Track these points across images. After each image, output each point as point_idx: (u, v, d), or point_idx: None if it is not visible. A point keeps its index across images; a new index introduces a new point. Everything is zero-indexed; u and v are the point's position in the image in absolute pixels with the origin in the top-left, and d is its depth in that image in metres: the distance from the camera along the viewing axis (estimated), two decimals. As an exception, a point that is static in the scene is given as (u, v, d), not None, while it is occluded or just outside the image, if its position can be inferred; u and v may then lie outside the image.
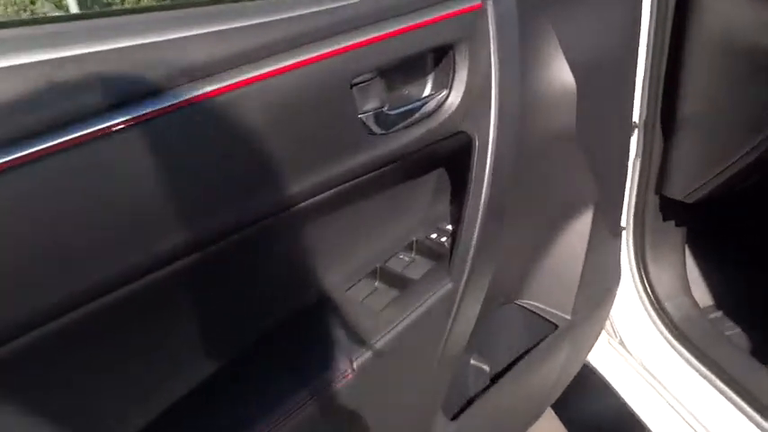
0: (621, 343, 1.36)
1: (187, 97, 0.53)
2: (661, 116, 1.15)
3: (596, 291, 1.17)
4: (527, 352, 1.08)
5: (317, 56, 0.61)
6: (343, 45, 0.63)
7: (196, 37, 0.53)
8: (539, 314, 1.12)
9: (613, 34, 1.02)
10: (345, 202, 0.74)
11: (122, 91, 0.48)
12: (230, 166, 0.58)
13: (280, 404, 0.68)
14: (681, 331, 1.26)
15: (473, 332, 0.91)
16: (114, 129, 0.48)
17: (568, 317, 1.10)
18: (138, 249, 0.52)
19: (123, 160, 0.49)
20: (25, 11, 6.58)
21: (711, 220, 1.37)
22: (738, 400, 1.10)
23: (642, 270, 1.27)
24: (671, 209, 1.26)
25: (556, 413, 1.43)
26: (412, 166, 0.78)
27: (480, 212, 0.79)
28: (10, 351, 0.48)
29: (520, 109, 0.82)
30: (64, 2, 6.29)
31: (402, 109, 0.72)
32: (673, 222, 1.29)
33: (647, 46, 1.10)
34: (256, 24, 0.56)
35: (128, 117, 0.48)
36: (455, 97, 0.76)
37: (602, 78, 1.01)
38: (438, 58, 0.76)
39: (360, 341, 0.73)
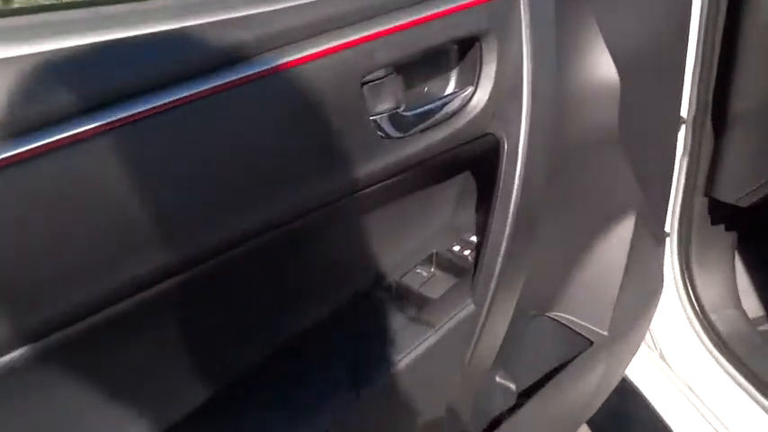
0: (662, 357, 1.26)
1: (172, 99, 0.46)
2: (712, 111, 1.04)
3: (636, 303, 1.08)
4: (559, 369, 0.99)
5: (321, 51, 0.53)
6: (351, 38, 0.55)
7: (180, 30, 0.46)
8: (572, 329, 1.03)
9: (661, 20, 0.92)
10: (356, 211, 0.66)
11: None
12: (220, 175, 0.51)
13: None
14: (728, 346, 1.15)
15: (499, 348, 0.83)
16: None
17: (605, 332, 1.01)
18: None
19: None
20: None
21: (764, 225, 1.26)
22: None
23: (687, 279, 1.17)
24: (720, 212, 1.15)
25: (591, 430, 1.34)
26: (432, 171, 0.70)
27: (508, 223, 0.70)
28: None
29: (555, 107, 0.72)
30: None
31: (421, 109, 0.64)
32: (722, 227, 1.19)
33: (698, 33, 0.99)
34: (245, 17, 0.48)
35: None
36: (482, 95, 0.68)
37: (648, 70, 0.91)
38: (463, 51, 0.67)
39: (372, 365, 0.66)
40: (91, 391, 0.54)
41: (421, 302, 0.73)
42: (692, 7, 0.96)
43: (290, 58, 0.52)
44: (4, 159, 0.38)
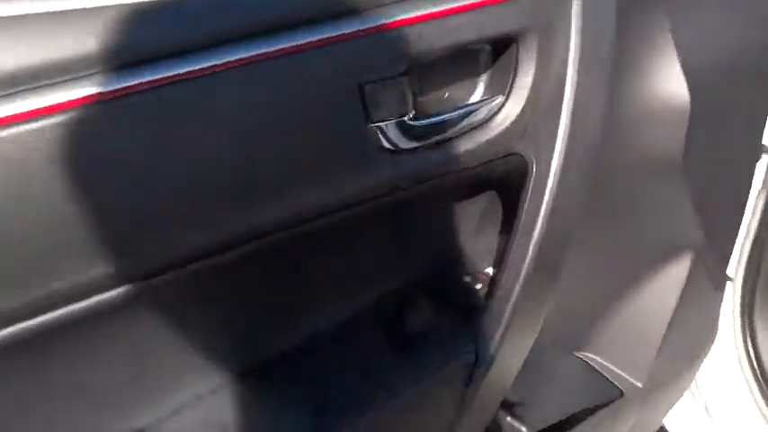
0: (706, 410, 1.12)
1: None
2: None
3: (682, 354, 0.94)
4: (579, 417, 0.88)
5: (307, 43, 0.44)
6: (347, 30, 0.46)
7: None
8: (602, 374, 0.91)
9: (751, 32, 0.77)
10: (347, 230, 0.57)
11: None
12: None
13: None
14: (787, 412, 1.01)
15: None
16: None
17: (639, 384, 0.88)
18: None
19: None
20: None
21: None
22: None
23: (747, 331, 1.02)
24: (798, 259, 0.99)
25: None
26: (445, 191, 0.60)
27: (528, 260, 0.60)
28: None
29: (602, 128, 0.61)
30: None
31: (437, 118, 0.54)
32: (798, 275, 1.02)
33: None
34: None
35: None
36: (513, 107, 0.57)
37: (729, 91, 0.77)
38: (495, 53, 0.56)
39: (348, 409, 0.58)
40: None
41: (412, 342, 0.63)
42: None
43: (266, 50, 0.43)
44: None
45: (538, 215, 0.59)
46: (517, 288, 0.61)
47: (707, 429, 1.11)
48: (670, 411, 1.12)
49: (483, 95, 0.57)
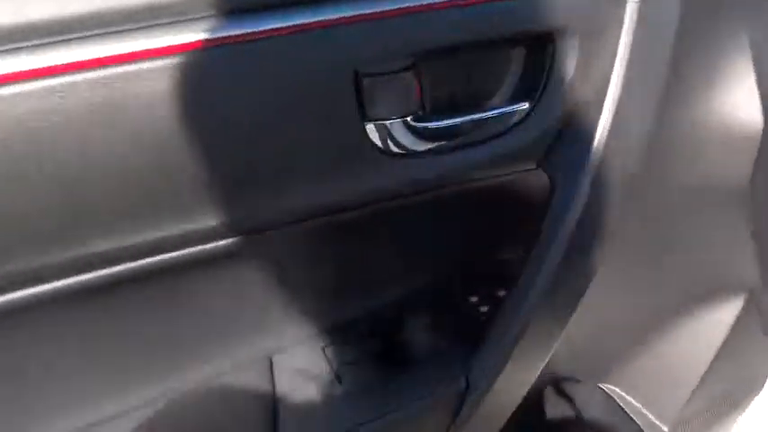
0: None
1: None
2: None
3: (718, 404, 0.85)
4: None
5: (298, 25, 0.39)
6: (345, 14, 0.40)
7: None
8: (624, 411, 0.83)
9: None
10: (342, 235, 0.52)
11: None
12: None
13: None
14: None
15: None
16: None
17: (665, 428, 0.80)
18: None
19: None
20: None
21: None
22: None
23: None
24: None
25: None
26: (451, 201, 0.54)
27: (538, 289, 0.53)
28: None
29: (647, 150, 0.52)
30: None
31: (445, 123, 0.48)
32: None
33: None
34: None
35: None
36: (540, 117, 0.49)
37: None
38: (528, 51, 0.49)
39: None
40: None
41: (402, 360, 0.58)
42: None
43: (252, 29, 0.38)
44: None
45: (556, 241, 0.51)
46: (523, 316, 0.54)
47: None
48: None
49: (506, 101, 0.50)
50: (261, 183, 0.43)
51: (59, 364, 0.49)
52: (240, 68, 0.39)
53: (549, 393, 0.82)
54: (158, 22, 0.36)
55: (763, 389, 0.93)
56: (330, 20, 0.40)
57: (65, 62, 0.34)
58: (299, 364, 0.56)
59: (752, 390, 0.90)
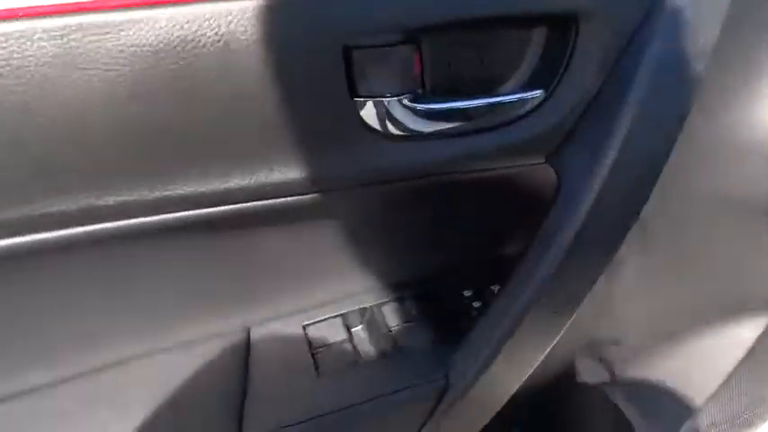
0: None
1: None
2: None
3: (727, 423, 0.80)
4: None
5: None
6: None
7: None
8: (622, 411, 0.79)
9: None
10: (333, 211, 0.49)
11: None
12: None
13: None
14: None
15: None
16: None
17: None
18: None
19: None
20: None
21: None
22: None
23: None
24: None
25: None
26: (446, 189, 0.50)
27: (534, 288, 0.49)
28: None
29: (670, 154, 0.47)
30: None
31: (446, 105, 0.44)
32: None
33: None
34: None
35: None
36: (554, 108, 0.45)
37: None
38: (549, 33, 0.44)
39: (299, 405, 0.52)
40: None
41: (387, 346, 0.56)
42: None
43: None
44: None
45: (556, 243, 0.47)
46: (513, 317, 0.50)
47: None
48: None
49: (519, 87, 0.45)
50: (244, 153, 0.41)
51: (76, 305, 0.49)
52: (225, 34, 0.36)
53: (551, 392, 0.79)
54: None
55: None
56: None
57: None
58: (277, 344, 0.55)
59: (766, 412, 0.85)
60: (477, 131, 0.45)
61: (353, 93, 0.40)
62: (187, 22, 0.35)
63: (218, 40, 0.36)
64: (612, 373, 0.78)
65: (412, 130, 0.44)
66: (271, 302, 0.55)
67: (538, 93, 0.45)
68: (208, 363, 0.52)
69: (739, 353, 0.74)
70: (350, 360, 0.53)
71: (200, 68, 0.36)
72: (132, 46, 0.35)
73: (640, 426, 0.78)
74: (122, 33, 0.34)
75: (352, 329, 0.57)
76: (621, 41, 0.42)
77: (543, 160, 0.47)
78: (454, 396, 0.52)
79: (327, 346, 0.54)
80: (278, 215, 0.46)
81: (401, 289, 0.59)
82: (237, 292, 0.53)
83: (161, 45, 0.35)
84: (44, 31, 0.33)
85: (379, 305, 0.58)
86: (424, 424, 0.54)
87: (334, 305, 0.57)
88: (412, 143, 0.44)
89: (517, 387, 0.55)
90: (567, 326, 0.52)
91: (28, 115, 0.35)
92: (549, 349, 0.54)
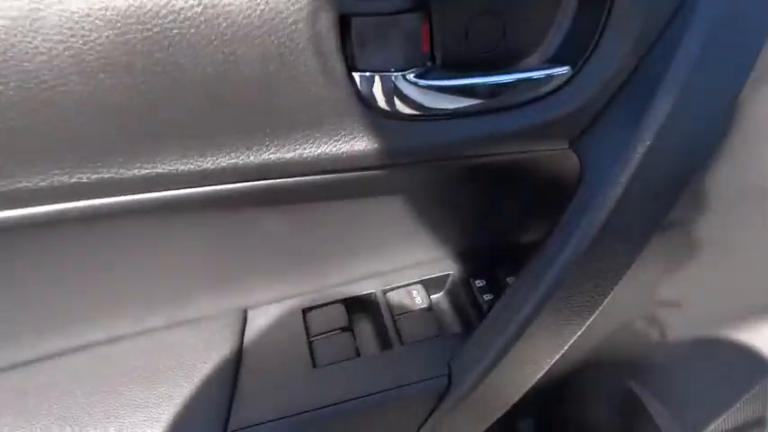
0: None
1: None
2: None
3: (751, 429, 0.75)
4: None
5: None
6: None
7: None
8: (649, 411, 0.75)
9: None
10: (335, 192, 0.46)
11: None
12: None
13: None
14: None
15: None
16: None
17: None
18: None
19: None
20: None
21: None
22: None
23: None
24: None
25: None
26: (458, 174, 0.45)
27: (548, 283, 0.44)
28: None
29: (716, 141, 0.42)
30: None
31: (456, 82, 0.39)
32: None
33: None
34: None
35: None
36: (582, 86, 0.40)
37: None
38: (580, 3, 0.39)
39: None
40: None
41: (387, 339, 0.52)
42: None
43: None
44: None
45: (577, 234, 0.42)
46: (527, 312, 0.46)
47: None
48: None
49: (543, 62, 0.40)
50: (231, 130, 0.37)
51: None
52: None
53: (567, 384, 0.75)
54: None
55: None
56: None
57: None
58: (274, 330, 0.52)
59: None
60: (494, 112, 0.40)
61: (349, 66, 0.36)
62: None
63: (198, 4, 0.32)
64: (635, 370, 0.74)
65: (419, 110, 0.39)
66: (269, 285, 0.52)
67: (564, 69, 0.39)
68: (199, 345, 0.50)
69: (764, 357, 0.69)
70: (348, 352, 0.50)
71: (178, 37, 0.32)
72: (101, 9, 0.31)
73: (665, 424, 0.74)
74: None
75: (354, 317, 0.54)
76: (664, 14, 0.37)
77: (566, 146, 0.42)
78: (456, 396, 0.48)
79: (326, 334, 0.51)
80: (276, 196, 0.43)
81: (406, 276, 0.55)
82: (234, 273, 0.51)
83: (132, 9, 0.31)
84: None
85: (383, 292, 0.54)
86: (422, 425, 0.51)
87: (335, 290, 0.54)
88: (418, 123, 0.40)
89: (526, 390, 0.51)
90: (585, 327, 0.47)
91: None
92: (563, 351, 0.50)
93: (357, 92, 0.37)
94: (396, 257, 0.54)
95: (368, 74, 0.37)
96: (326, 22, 0.34)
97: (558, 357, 0.51)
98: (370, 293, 0.54)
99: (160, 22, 0.32)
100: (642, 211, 0.40)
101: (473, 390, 0.48)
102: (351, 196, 0.45)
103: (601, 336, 0.68)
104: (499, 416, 0.53)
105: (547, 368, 0.51)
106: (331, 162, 0.40)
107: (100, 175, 0.36)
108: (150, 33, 0.32)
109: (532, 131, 0.41)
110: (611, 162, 0.40)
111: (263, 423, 0.46)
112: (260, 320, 0.52)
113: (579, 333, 0.49)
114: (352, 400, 0.47)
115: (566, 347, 0.50)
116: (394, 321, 0.52)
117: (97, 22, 0.31)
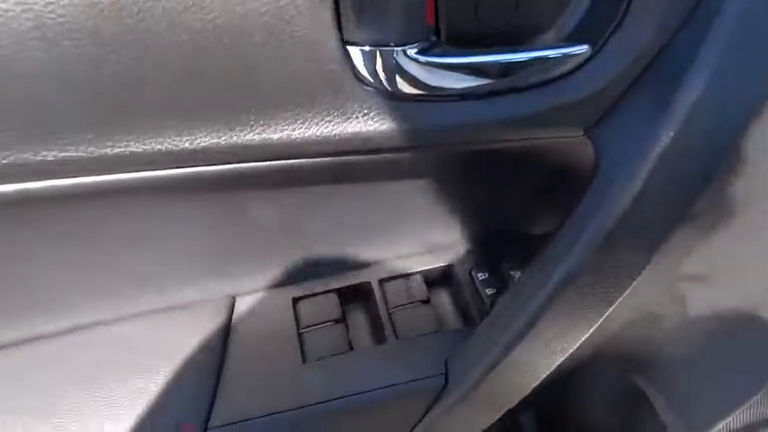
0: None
1: None
2: None
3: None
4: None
5: None
6: None
7: None
8: (654, 406, 0.73)
9: None
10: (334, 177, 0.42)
11: None
12: None
13: None
14: None
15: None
16: None
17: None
18: None
19: None
20: None
21: None
22: None
23: None
24: None
25: None
26: (471, 159, 0.42)
27: (558, 278, 0.41)
28: None
29: (738, 138, 0.38)
30: None
31: (470, 59, 0.35)
32: None
33: None
34: None
35: None
36: (602, 68, 0.36)
37: None
38: None
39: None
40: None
41: (382, 335, 0.49)
42: None
43: None
44: None
45: (591, 230, 0.39)
46: (536, 308, 0.43)
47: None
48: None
49: (560, 40, 0.36)
50: (216, 109, 0.34)
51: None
52: None
53: (570, 380, 0.73)
54: None
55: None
56: None
57: None
58: (262, 319, 0.49)
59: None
60: (503, 93, 0.37)
61: (346, 40, 0.32)
62: None
63: None
64: (641, 365, 0.71)
65: (420, 89, 0.36)
66: (258, 271, 0.49)
67: (583, 48, 0.36)
68: (183, 334, 0.47)
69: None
70: (340, 345, 0.48)
71: (150, 2, 0.29)
72: None
73: (670, 421, 0.72)
74: None
75: (347, 308, 0.51)
76: None
77: (581, 133, 0.39)
78: (454, 396, 0.45)
79: (317, 326, 0.48)
80: (263, 179, 0.39)
81: (404, 266, 0.52)
82: (221, 258, 0.48)
83: None
84: None
85: (379, 283, 0.51)
86: (416, 425, 0.48)
87: (328, 279, 0.51)
88: (419, 105, 0.36)
89: (527, 393, 0.48)
90: (594, 328, 0.44)
91: None
92: (572, 350, 0.47)
93: (352, 68, 0.34)
94: (393, 246, 0.51)
95: (365, 48, 0.33)
96: None
97: (565, 357, 0.48)
98: (365, 283, 0.51)
99: None
100: (664, 205, 0.37)
101: (472, 390, 0.45)
102: (344, 180, 0.42)
103: (609, 331, 0.65)
104: (498, 416, 0.50)
105: (553, 368, 0.48)
106: (322, 144, 0.36)
107: (68, 153, 0.33)
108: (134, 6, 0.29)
109: (545, 117, 0.37)
110: (630, 152, 0.36)
111: (247, 420, 0.43)
112: (248, 309, 0.49)
113: (591, 330, 0.46)
114: (342, 397, 0.44)
115: (575, 346, 0.47)
116: (389, 314, 0.49)
117: None
